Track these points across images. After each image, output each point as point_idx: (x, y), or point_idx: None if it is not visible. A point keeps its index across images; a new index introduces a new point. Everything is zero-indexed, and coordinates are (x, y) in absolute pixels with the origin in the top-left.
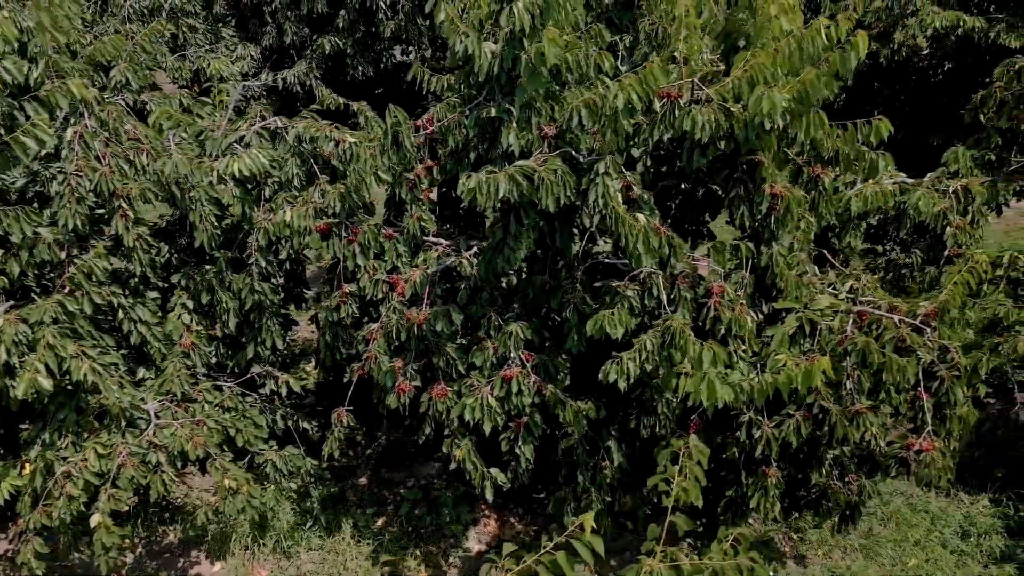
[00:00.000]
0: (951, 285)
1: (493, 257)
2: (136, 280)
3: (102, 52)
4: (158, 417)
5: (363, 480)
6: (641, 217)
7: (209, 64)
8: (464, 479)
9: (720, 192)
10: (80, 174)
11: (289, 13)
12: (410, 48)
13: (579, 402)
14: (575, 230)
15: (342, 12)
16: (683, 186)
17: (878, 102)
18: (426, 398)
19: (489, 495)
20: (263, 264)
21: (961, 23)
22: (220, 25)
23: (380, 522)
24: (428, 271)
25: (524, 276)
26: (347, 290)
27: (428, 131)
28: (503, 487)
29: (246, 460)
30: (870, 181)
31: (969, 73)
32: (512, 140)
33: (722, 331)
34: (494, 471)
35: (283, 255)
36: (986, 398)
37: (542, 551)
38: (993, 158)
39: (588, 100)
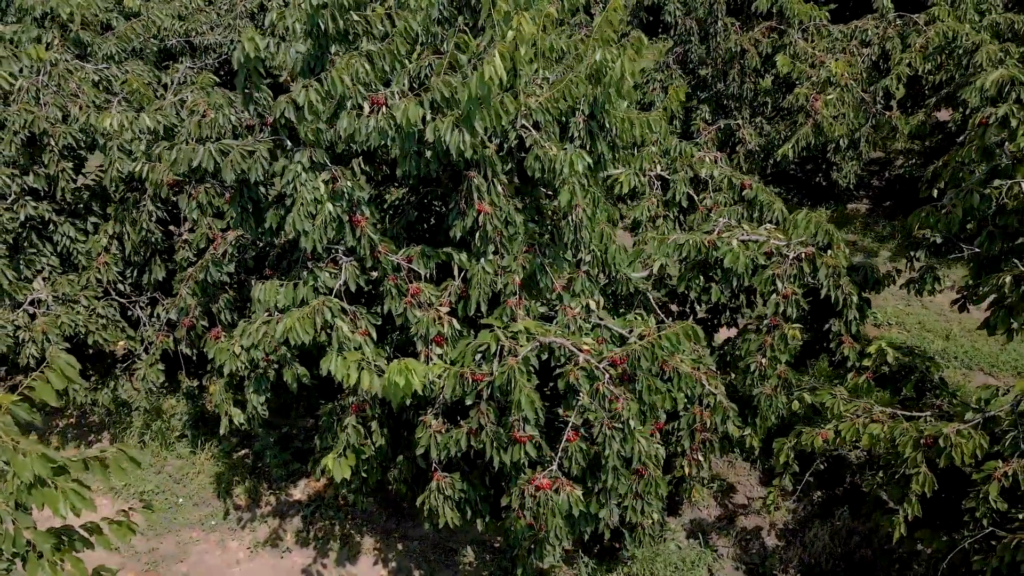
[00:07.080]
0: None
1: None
2: (81, 206)
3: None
4: (38, 306)
5: None
6: (329, 206)
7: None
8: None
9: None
10: (17, 114)
11: None
12: None
13: None
14: None
15: None
16: (439, 191)
17: None
18: (208, 338)
19: (222, 428)
20: (151, 208)
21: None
22: None
23: (242, 453)
24: (239, 233)
25: None
26: (185, 238)
27: (267, 122)
28: (240, 426)
29: (124, 366)
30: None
31: None
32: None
33: (413, 330)
34: (235, 411)
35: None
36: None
37: None
38: (939, 239)
39: (291, 97)
